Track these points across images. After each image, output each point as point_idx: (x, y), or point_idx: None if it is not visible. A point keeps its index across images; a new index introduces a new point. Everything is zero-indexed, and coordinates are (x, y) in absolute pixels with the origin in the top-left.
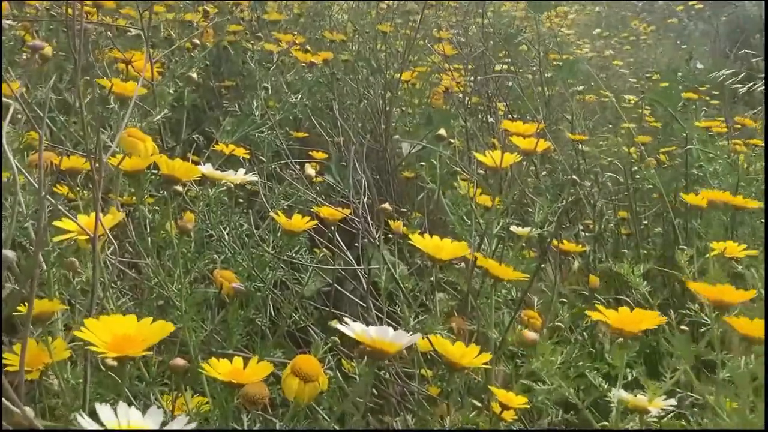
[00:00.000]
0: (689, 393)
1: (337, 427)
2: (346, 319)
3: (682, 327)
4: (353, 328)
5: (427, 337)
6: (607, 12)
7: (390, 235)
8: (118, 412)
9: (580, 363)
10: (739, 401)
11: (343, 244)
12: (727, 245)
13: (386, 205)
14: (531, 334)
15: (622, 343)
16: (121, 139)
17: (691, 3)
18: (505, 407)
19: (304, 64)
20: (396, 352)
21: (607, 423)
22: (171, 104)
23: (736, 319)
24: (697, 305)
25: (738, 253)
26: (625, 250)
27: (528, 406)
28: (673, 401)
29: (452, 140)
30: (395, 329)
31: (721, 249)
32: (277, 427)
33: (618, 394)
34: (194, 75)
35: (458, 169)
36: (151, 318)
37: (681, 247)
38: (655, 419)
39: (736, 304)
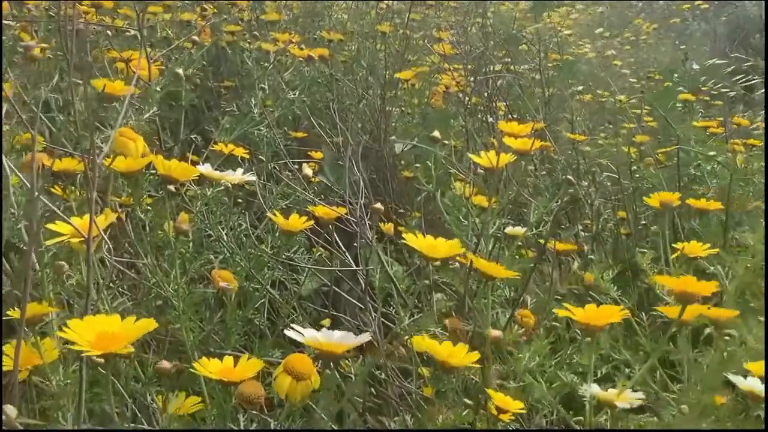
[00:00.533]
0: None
1: (334, 427)
2: (295, 326)
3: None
4: (303, 334)
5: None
6: (608, 12)
7: (386, 236)
8: None
9: (552, 361)
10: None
11: (341, 245)
12: (687, 245)
13: (378, 205)
14: (494, 332)
15: (590, 341)
16: (112, 139)
17: (697, 2)
18: (501, 411)
19: (301, 60)
20: (344, 352)
21: (581, 418)
22: (169, 104)
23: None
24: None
25: (701, 252)
26: (593, 257)
27: (524, 411)
28: (641, 395)
29: (449, 141)
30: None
31: (681, 248)
32: (272, 427)
33: (590, 389)
34: (181, 71)
35: (454, 169)
36: (135, 317)
37: (641, 250)
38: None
39: (700, 296)
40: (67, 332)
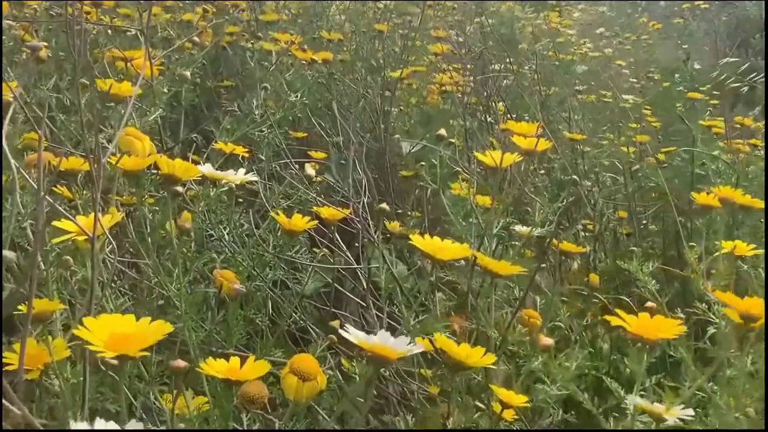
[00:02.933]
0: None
1: (337, 427)
2: (348, 326)
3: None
4: (356, 335)
5: (430, 338)
6: (610, 12)
7: (389, 235)
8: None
9: (587, 364)
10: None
11: (342, 244)
12: (736, 244)
13: (384, 206)
14: (546, 340)
15: (640, 347)
16: (118, 139)
17: (697, 2)
18: (506, 406)
19: (304, 62)
20: (397, 358)
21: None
22: (170, 104)
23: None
24: (704, 304)
25: (746, 252)
26: (634, 248)
27: (528, 405)
28: (690, 411)
29: (452, 140)
30: (395, 329)
31: (730, 248)
32: (276, 427)
33: (634, 400)
34: (188, 73)
35: (457, 168)
36: (150, 317)
37: (690, 244)
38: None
39: (762, 316)
40: (82, 331)
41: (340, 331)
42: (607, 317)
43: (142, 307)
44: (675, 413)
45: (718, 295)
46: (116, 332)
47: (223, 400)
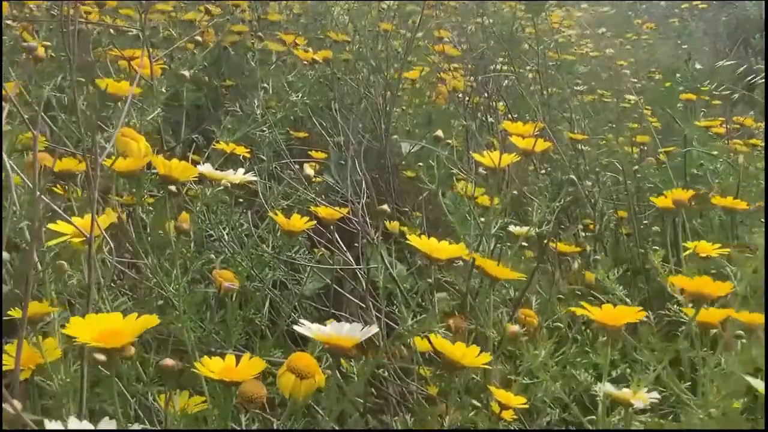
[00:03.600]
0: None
1: (335, 427)
2: (303, 320)
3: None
4: (310, 329)
5: (427, 337)
6: (610, 12)
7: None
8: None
9: (569, 360)
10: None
11: (342, 244)
12: (699, 244)
13: (385, 207)
14: (513, 327)
15: (605, 340)
16: (115, 139)
17: (696, 2)
18: (504, 407)
19: (306, 63)
20: (353, 346)
21: (594, 417)
22: (171, 104)
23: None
24: (675, 305)
25: (711, 251)
26: (598, 257)
27: (527, 406)
28: (656, 395)
29: (451, 141)
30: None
31: (692, 247)
32: (275, 427)
33: (604, 388)
34: (186, 73)
35: (456, 169)
36: (136, 314)
37: (654, 247)
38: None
39: (715, 297)
40: (68, 328)
41: (294, 326)
42: (572, 308)
43: (141, 307)
44: (642, 398)
45: (671, 279)
46: (104, 329)
47: (221, 399)
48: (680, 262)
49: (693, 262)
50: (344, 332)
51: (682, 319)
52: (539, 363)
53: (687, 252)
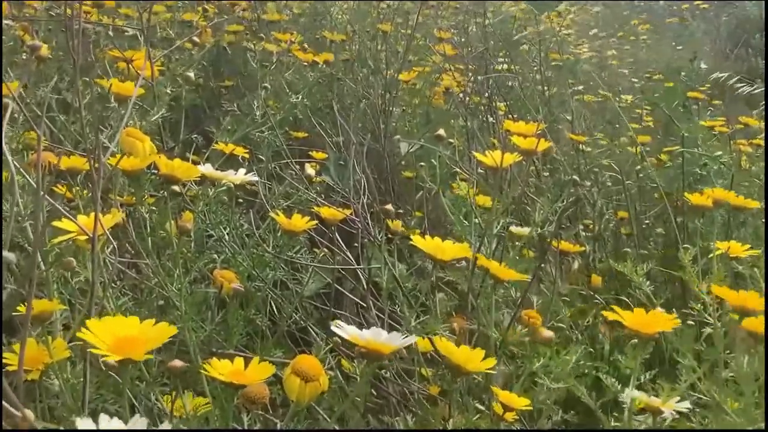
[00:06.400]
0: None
1: (337, 427)
2: (339, 322)
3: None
4: (347, 331)
5: (430, 338)
6: (608, 12)
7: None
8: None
9: (588, 364)
10: (743, 400)
11: (342, 244)
12: (730, 245)
13: (389, 207)
14: (547, 332)
15: (636, 343)
16: (120, 139)
17: (696, 2)
18: (507, 408)
19: (306, 63)
20: (391, 353)
21: (619, 424)
22: (170, 104)
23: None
24: (700, 305)
25: (741, 252)
26: (628, 249)
27: (530, 408)
28: (687, 403)
29: (452, 140)
30: (395, 329)
31: (725, 248)
32: (278, 427)
33: (631, 394)
34: (191, 75)
35: (458, 169)
36: (154, 320)
37: (685, 246)
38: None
39: (758, 311)
40: (85, 333)
41: (332, 327)
42: (605, 312)
43: (142, 307)
44: (672, 406)
45: (714, 290)
46: (120, 335)
47: (224, 400)
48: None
49: (722, 263)
50: (383, 338)
51: (706, 320)
52: (564, 365)
53: (717, 252)
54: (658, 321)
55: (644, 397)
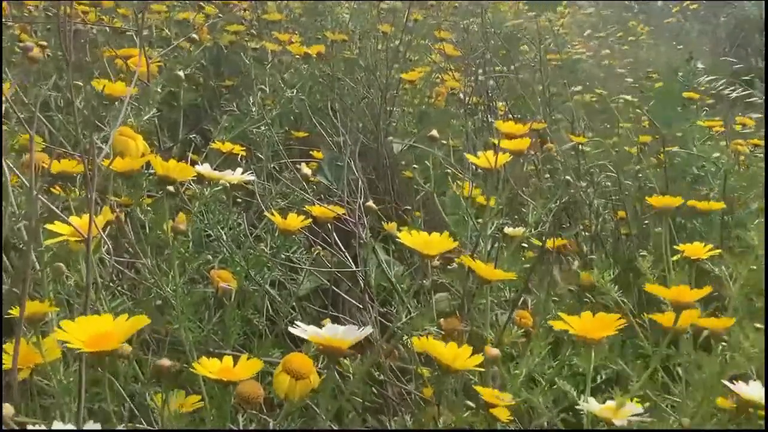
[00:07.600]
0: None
1: (333, 426)
2: (299, 323)
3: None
4: (306, 330)
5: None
6: (605, 12)
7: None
8: None
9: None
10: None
11: (340, 244)
12: (689, 247)
13: (371, 204)
14: (493, 351)
15: (585, 352)
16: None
17: (686, 3)
18: (490, 405)
19: (298, 57)
20: (348, 347)
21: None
22: (169, 103)
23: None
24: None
25: (703, 254)
26: (593, 257)
27: (514, 404)
28: (640, 410)
29: (448, 140)
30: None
31: (683, 250)
32: (271, 427)
33: (588, 405)
34: (182, 74)
35: (452, 170)
36: (138, 316)
37: (643, 253)
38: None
39: (693, 302)
40: (59, 333)
41: (290, 328)
42: (551, 322)
43: (140, 307)
44: (625, 415)
45: (648, 288)
46: (95, 332)
47: (219, 400)
48: (669, 267)
49: (687, 265)
50: (339, 334)
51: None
52: (534, 368)
53: (677, 256)
54: (605, 324)
55: (597, 406)
